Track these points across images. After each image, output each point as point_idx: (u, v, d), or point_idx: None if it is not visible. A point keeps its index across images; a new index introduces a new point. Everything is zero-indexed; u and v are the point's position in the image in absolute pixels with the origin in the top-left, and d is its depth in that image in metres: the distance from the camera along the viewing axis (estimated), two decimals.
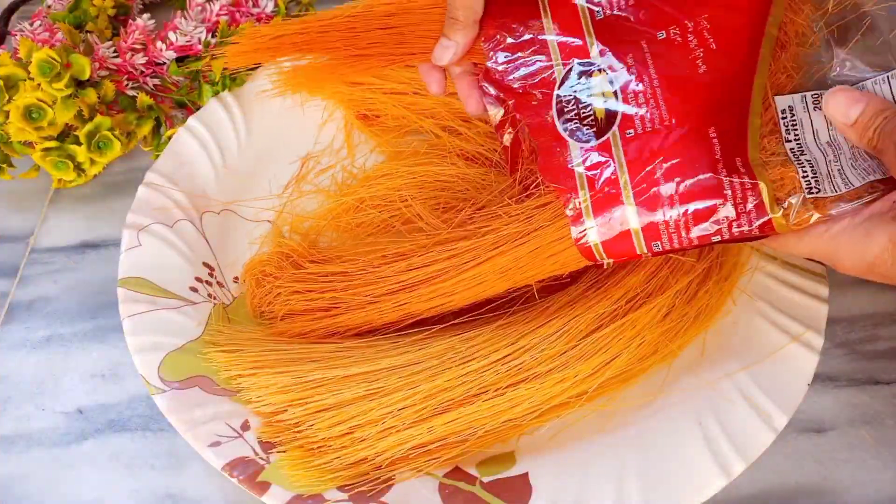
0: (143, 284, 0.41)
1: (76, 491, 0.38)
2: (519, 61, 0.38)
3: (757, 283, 0.41)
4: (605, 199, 0.34)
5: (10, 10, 0.57)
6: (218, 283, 0.43)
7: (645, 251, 0.34)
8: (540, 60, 0.37)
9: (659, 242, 0.34)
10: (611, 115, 0.35)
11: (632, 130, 0.34)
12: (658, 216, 0.33)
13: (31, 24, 0.54)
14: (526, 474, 0.35)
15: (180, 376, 0.37)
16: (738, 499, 0.37)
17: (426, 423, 0.35)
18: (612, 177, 0.34)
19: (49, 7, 0.56)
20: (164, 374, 0.37)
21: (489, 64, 0.39)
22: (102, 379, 0.42)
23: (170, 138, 0.49)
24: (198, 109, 0.51)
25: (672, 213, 0.33)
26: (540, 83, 0.37)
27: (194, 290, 0.42)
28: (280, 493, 0.33)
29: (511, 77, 0.38)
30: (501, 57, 0.38)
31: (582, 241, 0.35)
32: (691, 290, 0.39)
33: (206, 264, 0.43)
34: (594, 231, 0.34)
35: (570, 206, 0.35)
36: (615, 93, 0.35)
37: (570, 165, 0.35)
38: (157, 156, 0.47)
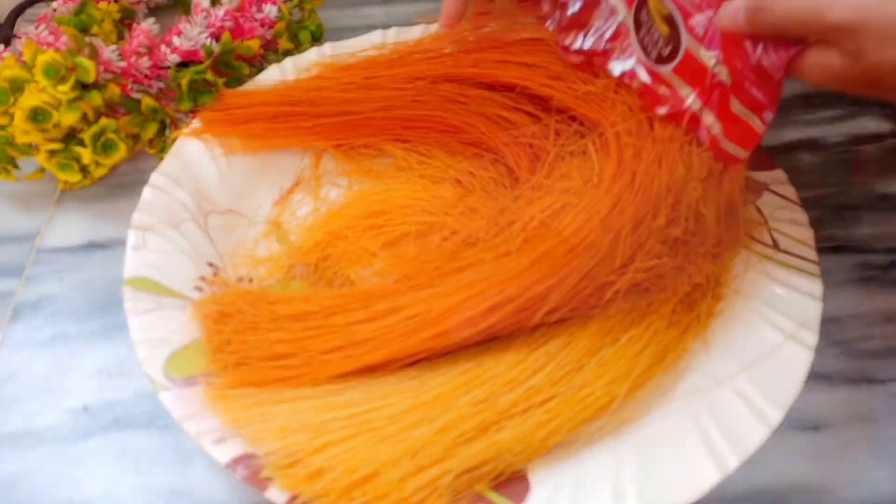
0: (148, 284, 0.41)
1: (82, 487, 0.39)
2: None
3: (751, 281, 0.41)
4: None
5: (16, 14, 0.58)
6: (223, 282, 0.44)
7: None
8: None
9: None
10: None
11: None
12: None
13: (37, 28, 0.54)
14: (523, 469, 0.36)
15: (185, 374, 0.38)
16: (733, 496, 0.38)
17: (454, 455, 0.34)
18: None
19: (54, 10, 0.57)
20: (169, 372, 0.38)
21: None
22: (108, 377, 0.43)
23: (174, 140, 0.49)
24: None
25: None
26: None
27: (199, 289, 0.42)
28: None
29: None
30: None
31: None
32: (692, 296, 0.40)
33: (210, 264, 0.44)
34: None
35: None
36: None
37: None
38: (162, 158, 0.48)
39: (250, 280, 0.45)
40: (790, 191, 0.45)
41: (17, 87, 0.47)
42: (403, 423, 0.35)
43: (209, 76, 0.51)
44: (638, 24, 0.43)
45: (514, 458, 0.35)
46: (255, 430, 0.35)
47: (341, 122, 0.50)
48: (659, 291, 0.39)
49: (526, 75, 0.48)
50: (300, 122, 0.50)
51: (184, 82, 0.51)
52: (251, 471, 0.34)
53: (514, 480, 0.35)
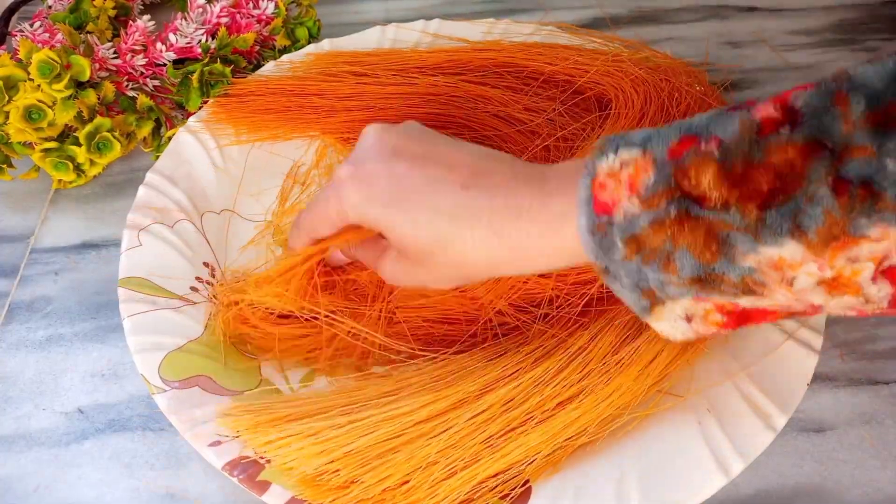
0: (143, 284, 0.41)
1: (76, 490, 0.38)
2: None
3: None
4: None
5: (11, 11, 0.57)
6: (219, 282, 0.43)
7: None
8: None
9: None
10: None
11: None
12: None
13: (32, 25, 0.54)
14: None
15: (181, 376, 0.37)
16: (737, 499, 0.37)
17: (486, 457, 0.34)
18: None
19: (49, 8, 0.57)
20: (164, 374, 0.37)
21: None
22: (102, 379, 0.42)
23: (170, 139, 0.49)
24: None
25: None
26: None
27: (195, 289, 0.42)
28: (280, 492, 0.33)
29: None
30: None
31: None
32: None
33: (206, 264, 0.44)
34: None
35: None
36: None
37: None
38: (158, 157, 0.48)
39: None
40: None
41: (11, 85, 0.47)
42: (430, 428, 0.34)
43: (218, 66, 0.51)
44: None
45: (543, 459, 0.34)
46: (279, 444, 0.35)
47: (350, 113, 0.49)
48: None
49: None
50: (308, 114, 0.50)
51: (194, 78, 0.50)
52: (247, 473, 0.34)
53: (515, 486, 0.34)
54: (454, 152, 0.34)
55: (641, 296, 0.30)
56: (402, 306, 0.41)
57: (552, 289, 0.40)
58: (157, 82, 0.53)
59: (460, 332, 0.41)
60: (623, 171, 0.28)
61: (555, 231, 0.31)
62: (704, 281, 0.28)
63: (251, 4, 0.56)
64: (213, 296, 0.42)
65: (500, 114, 0.49)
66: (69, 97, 0.47)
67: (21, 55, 0.47)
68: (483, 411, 0.34)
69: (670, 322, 0.30)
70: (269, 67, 0.53)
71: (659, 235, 0.28)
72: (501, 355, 0.38)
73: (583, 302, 0.40)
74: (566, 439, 0.35)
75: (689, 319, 0.30)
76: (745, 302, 0.28)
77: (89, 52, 0.51)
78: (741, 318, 0.29)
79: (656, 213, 0.27)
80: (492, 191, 0.32)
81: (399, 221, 0.33)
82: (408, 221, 0.33)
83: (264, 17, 0.56)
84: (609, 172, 0.29)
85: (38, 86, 0.46)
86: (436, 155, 0.34)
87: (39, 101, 0.46)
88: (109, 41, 0.53)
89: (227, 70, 0.51)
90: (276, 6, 0.56)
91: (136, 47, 0.52)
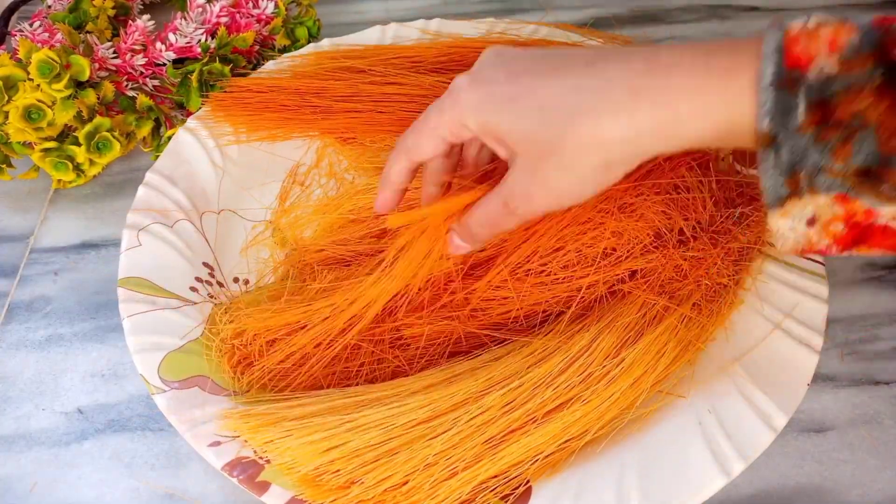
0: (143, 284, 0.41)
1: (76, 490, 0.38)
2: None
3: (756, 281, 0.41)
4: None
5: (10, 11, 0.57)
6: (218, 282, 0.43)
7: None
8: None
9: None
10: None
11: None
12: None
13: (31, 25, 0.54)
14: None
15: (180, 376, 0.37)
16: (737, 499, 0.37)
17: (487, 458, 0.34)
18: None
19: (49, 7, 0.57)
20: (164, 374, 0.37)
21: None
22: (102, 379, 0.42)
23: (169, 139, 0.49)
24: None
25: None
26: None
27: (194, 290, 0.42)
28: (280, 492, 0.33)
29: None
30: None
31: None
32: (707, 297, 0.40)
33: (205, 264, 0.43)
34: None
35: None
36: None
37: None
38: (157, 156, 0.48)
39: (246, 281, 0.44)
40: None
41: (11, 85, 0.47)
42: (431, 429, 0.34)
43: (217, 66, 0.51)
44: None
45: (544, 460, 0.34)
46: (279, 444, 0.34)
47: (348, 114, 0.49)
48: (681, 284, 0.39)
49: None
50: (307, 113, 0.49)
51: (193, 77, 0.50)
52: (247, 474, 0.34)
53: (517, 486, 0.34)
54: (573, 51, 0.32)
55: (785, 182, 0.27)
56: (410, 324, 0.41)
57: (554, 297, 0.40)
58: (156, 82, 0.53)
59: (465, 346, 0.41)
60: (822, 29, 0.25)
61: (718, 86, 0.27)
62: (869, 175, 0.25)
63: (251, 4, 0.56)
64: (211, 329, 0.41)
65: None
66: (69, 97, 0.47)
67: (21, 55, 0.47)
68: (484, 412, 0.34)
69: (793, 220, 0.27)
70: (268, 67, 0.53)
71: (852, 105, 0.24)
72: (502, 357, 0.38)
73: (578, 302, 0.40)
74: (567, 440, 0.34)
75: (811, 223, 0.27)
76: (888, 212, 0.26)
77: (89, 52, 0.51)
78: (860, 237, 0.27)
79: (857, 77, 0.24)
80: (626, 59, 0.29)
81: (524, 113, 0.31)
82: (533, 110, 0.30)
83: (264, 17, 0.56)
84: (803, 30, 0.25)
85: (38, 86, 0.46)
86: (554, 53, 0.32)
87: (39, 100, 0.46)
88: (109, 41, 0.53)
89: (227, 69, 0.51)
90: (276, 6, 0.56)
91: (136, 47, 0.52)
